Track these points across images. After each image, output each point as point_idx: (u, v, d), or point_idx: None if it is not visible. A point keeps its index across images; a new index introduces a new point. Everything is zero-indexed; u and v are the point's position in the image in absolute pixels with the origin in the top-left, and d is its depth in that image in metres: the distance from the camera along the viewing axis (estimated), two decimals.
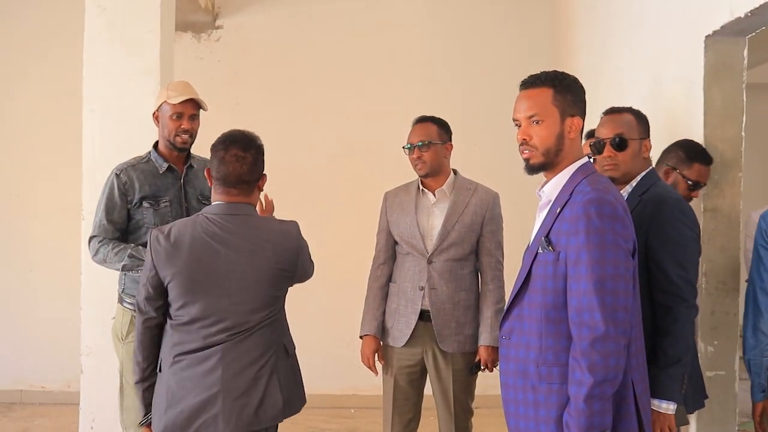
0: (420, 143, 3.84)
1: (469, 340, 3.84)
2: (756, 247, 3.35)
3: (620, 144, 3.10)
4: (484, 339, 3.79)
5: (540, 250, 2.48)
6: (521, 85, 2.62)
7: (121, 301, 3.85)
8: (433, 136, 3.87)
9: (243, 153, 2.93)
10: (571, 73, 2.65)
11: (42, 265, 6.63)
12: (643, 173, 3.13)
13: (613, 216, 2.35)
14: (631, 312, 2.38)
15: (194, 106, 3.79)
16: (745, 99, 3.74)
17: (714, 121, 3.74)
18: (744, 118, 3.75)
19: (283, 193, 6.33)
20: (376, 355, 3.94)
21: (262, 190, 3.07)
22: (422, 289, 3.83)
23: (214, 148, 2.97)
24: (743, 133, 3.75)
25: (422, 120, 3.95)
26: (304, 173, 6.68)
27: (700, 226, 3.68)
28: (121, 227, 3.75)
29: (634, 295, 2.42)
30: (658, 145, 3.95)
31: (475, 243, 3.87)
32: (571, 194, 2.46)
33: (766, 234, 3.31)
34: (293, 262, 3.00)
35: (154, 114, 3.83)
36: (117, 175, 3.76)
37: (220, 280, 2.88)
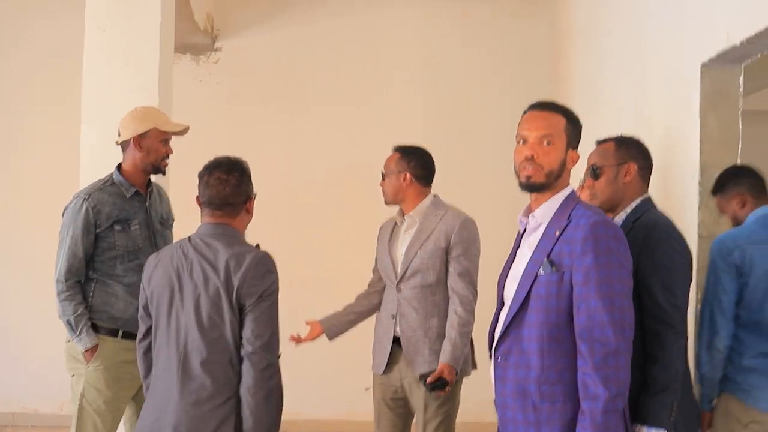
0: (382, 172, 3.95)
1: None
2: (715, 269, 3.49)
3: (593, 173, 3.14)
4: (445, 357, 3.71)
5: (541, 272, 2.53)
6: (535, 106, 2.69)
7: None
8: (390, 166, 3.93)
9: (226, 176, 2.96)
10: (569, 98, 2.70)
11: (36, 287, 6.55)
12: (638, 200, 3.12)
13: (617, 237, 2.47)
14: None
15: None
16: (741, 126, 3.74)
17: (710, 148, 3.72)
18: (740, 146, 3.74)
19: (282, 214, 6.36)
20: (304, 335, 4.04)
21: (250, 214, 3.06)
22: (394, 316, 3.85)
23: (200, 174, 3.01)
24: (739, 161, 3.74)
25: (393, 149, 4.01)
26: (302, 195, 6.67)
27: (695, 254, 3.69)
28: (88, 257, 3.73)
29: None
30: (653, 171, 3.96)
31: (442, 272, 3.82)
32: (569, 218, 2.54)
33: (726, 257, 3.45)
34: (240, 294, 2.84)
35: (134, 139, 3.80)
36: (85, 200, 3.72)
37: (173, 305, 2.89)
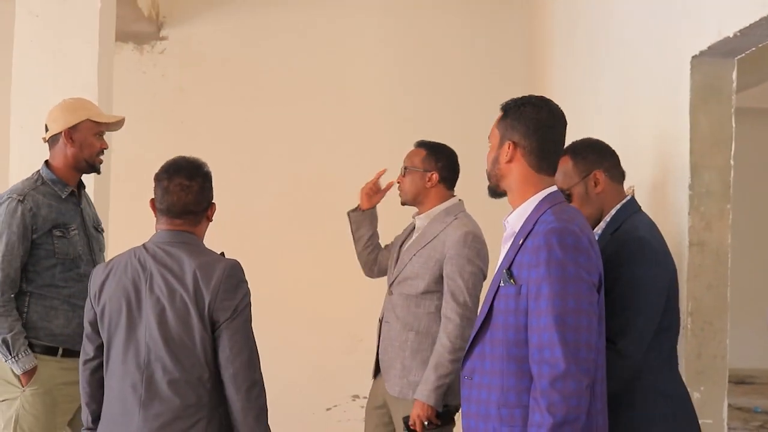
0: (403, 167, 3.73)
1: (413, 388, 3.57)
2: None
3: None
4: (418, 393, 3.52)
5: (501, 284, 2.45)
6: None
7: None
8: (416, 162, 3.71)
9: (188, 182, 2.82)
10: (549, 97, 2.65)
11: None
12: (617, 207, 3.00)
13: (575, 247, 2.33)
14: (596, 350, 2.34)
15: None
16: (734, 125, 3.59)
17: (701, 148, 3.57)
18: (733, 146, 3.59)
19: (232, 219, 6.12)
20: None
21: (210, 220, 2.93)
22: (380, 321, 3.74)
23: (158, 177, 2.85)
24: (732, 162, 3.59)
25: (417, 144, 3.80)
26: (254, 197, 6.43)
27: (685, 262, 3.55)
28: (22, 266, 3.47)
29: (599, 332, 2.38)
30: (640, 174, 3.81)
31: (432, 283, 3.62)
32: (534, 224, 2.44)
33: None
34: (212, 309, 2.71)
35: (65, 132, 3.58)
36: (20, 201, 3.46)
37: (132, 320, 2.74)
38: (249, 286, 2.83)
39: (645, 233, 2.91)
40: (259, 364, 2.76)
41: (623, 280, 2.75)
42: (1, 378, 3.48)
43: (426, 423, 3.48)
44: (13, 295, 3.45)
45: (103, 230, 3.85)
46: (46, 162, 3.64)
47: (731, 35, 3.25)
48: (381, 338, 3.72)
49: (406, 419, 3.53)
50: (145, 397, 2.69)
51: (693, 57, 3.54)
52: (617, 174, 3.06)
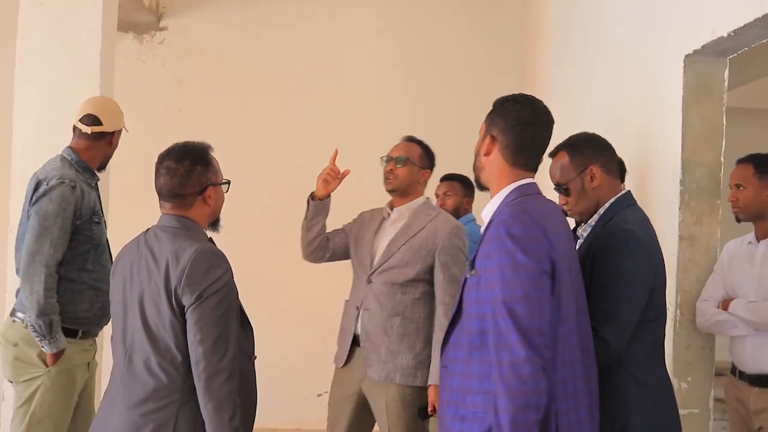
0: (398, 157, 3.77)
1: (401, 371, 3.61)
2: None
3: (562, 191, 3.04)
4: (432, 378, 3.56)
5: (467, 275, 2.50)
6: None
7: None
8: (414, 156, 3.79)
9: (175, 165, 2.76)
10: (539, 93, 2.63)
11: None
12: (612, 200, 3.00)
13: (524, 236, 2.34)
14: (552, 337, 2.35)
15: None
16: (725, 123, 3.64)
17: (692, 145, 3.62)
18: (724, 143, 3.64)
19: (227, 206, 6.13)
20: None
21: (210, 204, 2.84)
22: (358, 309, 3.73)
23: (156, 162, 2.84)
24: (723, 159, 3.64)
25: (409, 139, 3.89)
26: (250, 185, 6.33)
27: (675, 256, 3.61)
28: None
29: (561, 320, 2.39)
30: (633, 168, 3.87)
31: (422, 271, 3.66)
32: (495, 216, 2.50)
33: None
34: (177, 293, 2.65)
35: (113, 133, 3.70)
36: (73, 187, 3.50)
37: (125, 301, 2.76)
38: (240, 273, 2.76)
39: (633, 226, 2.91)
40: (229, 353, 2.63)
41: (608, 270, 2.77)
42: (23, 359, 3.54)
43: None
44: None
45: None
46: (73, 149, 3.66)
47: (725, 35, 3.29)
48: (361, 325, 3.71)
49: (423, 407, 3.57)
50: (125, 375, 2.70)
51: (686, 56, 3.58)
52: (613, 168, 3.06)
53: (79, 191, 3.51)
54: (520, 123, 2.52)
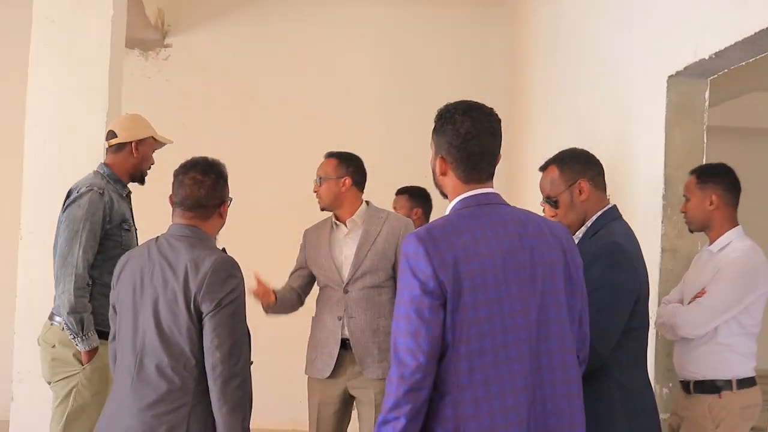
0: (316, 179, 4.00)
1: None
2: None
3: (552, 204, 3.11)
4: None
5: None
6: None
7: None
8: (329, 171, 3.98)
9: (202, 177, 2.90)
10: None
11: None
12: (598, 213, 3.07)
13: (414, 254, 2.29)
14: (427, 355, 2.24)
15: None
16: (706, 141, 3.76)
17: (675, 161, 3.75)
18: (704, 160, 3.76)
19: (230, 218, 6.23)
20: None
21: (223, 218, 3.00)
22: (341, 318, 3.88)
23: (176, 172, 2.95)
24: None
25: (326, 155, 4.07)
26: (252, 198, 6.45)
27: (658, 267, 3.73)
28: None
29: (483, 335, 2.27)
30: (618, 185, 3.94)
31: (390, 270, 3.89)
32: None
33: None
34: (197, 301, 2.75)
35: (132, 143, 3.82)
36: (101, 194, 3.67)
37: (135, 306, 2.83)
38: (246, 281, 2.87)
39: (619, 238, 2.98)
40: (243, 359, 2.75)
41: (594, 281, 2.76)
42: (61, 359, 3.68)
43: None
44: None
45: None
46: (105, 164, 3.85)
47: (706, 57, 3.42)
48: (349, 333, 3.84)
49: None
50: (136, 378, 2.76)
51: (669, 76, 3.70)
52: (600, 182, 3.11)
53: (108, 198, 3.67)
54: (463, 139, 2.42)
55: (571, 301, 2.41)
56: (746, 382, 3.36)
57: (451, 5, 6.81)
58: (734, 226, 3.45)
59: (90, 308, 3.61)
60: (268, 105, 6.71)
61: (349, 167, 3.97)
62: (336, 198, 3.94)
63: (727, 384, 3.34)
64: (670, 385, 3.71)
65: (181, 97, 6.62)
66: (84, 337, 3.59)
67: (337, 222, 4.00)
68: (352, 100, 6.78)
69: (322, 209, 4.01)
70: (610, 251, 2.91)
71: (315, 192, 3.99)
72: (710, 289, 3.33)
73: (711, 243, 3.48)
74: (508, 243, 2.34)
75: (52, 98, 4.60)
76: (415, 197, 5.17)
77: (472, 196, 2.41)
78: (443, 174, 2.47)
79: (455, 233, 2.32)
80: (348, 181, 3.94)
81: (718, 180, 3.44)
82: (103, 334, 3.61)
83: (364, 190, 4.06)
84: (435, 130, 2.50)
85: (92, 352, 3.63)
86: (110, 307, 2.98)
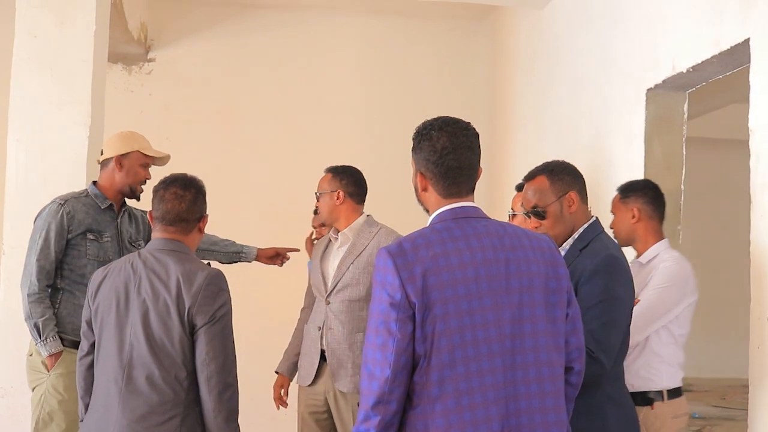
0: (316, 194, 4.05)
1: None
2: None
3: (539, 215, 3.10)
4: None
5: None
6: None
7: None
8: (324, 186, 4.03)
9: (182, 191, 2.96)
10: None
11: None
12: (585, 226, 3.08)
13: (383, 267, 2.30)
14: (394, 367, 2.24)
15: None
16: (684, 152, 3.81)
17: (654, 173, 3.79)
18: (683, 171, 3.80)
19: (214, 231, 6.24)
20: (282, 391, 4.17)
21: (202, 233, 3.06)
22: (320, 329, 3.92)
23: (156, 188, 3.01)
24: (683, 186, 3.81)
25: (325, 171, 4.09)
26: (235, 211, 6.47)
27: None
28: (57, 262, 3.76)
29: (454, 347, 2.25)
30: (598, 196, 3.99)
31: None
32: None
33: None
34: (191, 313, 2.81)
35: (116, 158, 3.87)
36: (61, 204, 3.76)
37: (120, 319, 2.86)
38: (232, 293, 2.91)
39: (615, 252, 3.00)
40: (234, 369, 2.84)
41: (596, 295, 2.81)
42: (32, 368, 3.77)
43: None
44: (48, 286, 3.74)
45: (138, 246, 3.97)
46: (94, 181, 3.95)
47: (685, 71, 3.48)
48: (326, 344, 3.88)
49: None
50: (124, 391, 2.78)
51: (648, 89, 3.77)
52: (585, 195, 3.13)
53: (69, 208, 3.74)
54: (441, 155, 2.42)
55: (555, 313, 2.37)
56: (675, 392, 3.45)
57: (434, 18, 6.87)
58: (660, 239, 3.52)
59: (46, 314, 3.69)
60: (251, 118, 6.73)
61: (342, 180, 3.99)
62: (332, 211, 3.98)
63: (659, 395, 3.41)
64: None
65: (164, 111, 6.62)
66: (43, 343, 3.67)
67: (336, 235, 4.04)
68: (334, 113, 6.80)
69: (321, 224, 4.08)
70: (610, 265, 2.92)
71: (316, 207, 4.07)
72: (643, 297, 3.37)
73: (639, 255, 3.54)
74: (481, 255, 2.32)
75: (34, 113, 4.58)
76: None
77: (449, 209, 2.41)
78: (424, 190, 2.47)
79: (425, 246, 2.31)
80: (341, 194, 3.96)
81: (639, 194, 3.51)
82: (74, 344, 3.61)
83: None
84: (413, 148, 2.50)
85: (55, 357, 3.68)
86: (83, 323, 2.99)
